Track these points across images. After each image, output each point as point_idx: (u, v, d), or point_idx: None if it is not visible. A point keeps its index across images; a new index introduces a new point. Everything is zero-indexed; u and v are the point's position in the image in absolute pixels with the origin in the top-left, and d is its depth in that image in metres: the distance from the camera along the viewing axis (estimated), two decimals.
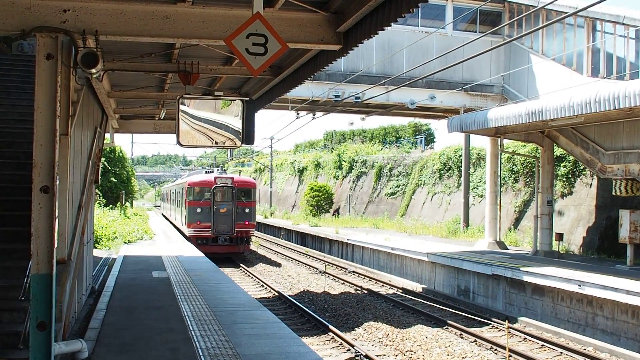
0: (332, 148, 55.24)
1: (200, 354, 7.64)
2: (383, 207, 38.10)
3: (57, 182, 5.85)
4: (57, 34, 5.92)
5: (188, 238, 27.29)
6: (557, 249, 19.93)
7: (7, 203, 9.03)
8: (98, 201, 33.36)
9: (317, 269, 23.37)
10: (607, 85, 15.98)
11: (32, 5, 5.95)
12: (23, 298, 7.13)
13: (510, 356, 11.39)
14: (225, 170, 32.33)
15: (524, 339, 13.12)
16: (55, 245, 5.83)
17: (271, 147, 59.20)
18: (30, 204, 5.71)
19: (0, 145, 10.33)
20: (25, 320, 6.77)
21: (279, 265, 25.99)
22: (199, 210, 26.73)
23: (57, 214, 5.87)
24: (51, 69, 5.82)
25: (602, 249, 20.14)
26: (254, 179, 43.71)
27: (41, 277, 5.71)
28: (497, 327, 14.00)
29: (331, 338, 12.50)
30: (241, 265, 24.66)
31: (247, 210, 27.24)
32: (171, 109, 14.10)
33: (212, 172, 31.49)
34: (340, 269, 24.00)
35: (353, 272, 22.95)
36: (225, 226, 26.47)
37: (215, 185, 26.86)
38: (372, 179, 41.15)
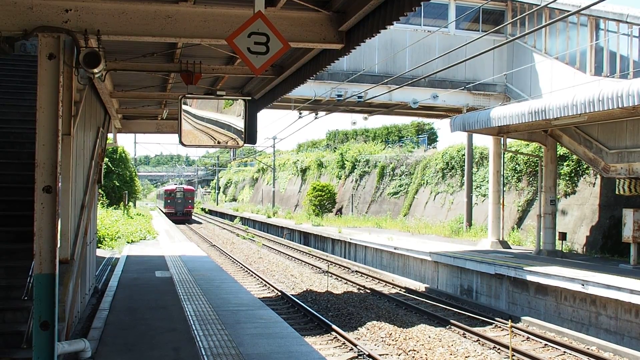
0: (335, 147, 55.23)
1: (203, 353, 7.65)
2: (386, 207, 38.09)
3: (60, 182, 5.85)
4: (59, 34, 5.92)
5: (165, 213, 57.08)
6: (560, 249, 19.91)
7: (10, 203, 9.05)
8: (101, 201, 33.42)
9: (320, 268, 23.37)
10: (610, 83, 15.96)
11: (33, 5, 5.95)
12: (26, 298, 7.14)
13: (514, 355, 11.37)
14: (182, 183, 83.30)
15: (527, 338, 13.10)
16: (58, 245, 5.83)
17: (274, 146, 59.25)
18: (33, 204, 5.71)
19: (3, 145, 10.34)
20: (28, 320, 6.78)
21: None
22: (169, 200, 57.67)
23: (59, 214, 5.87)
24: (53, 69, 5.82)
25: (606, 248, 20.10)
26: (257, 178, 72.16)
27: (44, 277, 5.71)
28: (500, 327, 13.98)
29: (334, 337, 12.49)
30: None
31: (189, 200, 58.46)
32: (174, 109, 14.13)
33: (175, 184, 72.54)
34: (343, 268, 24.00)
35: (356, 271, 22.94)
36: (180, 207, 57.30)
37: (175, 190, 58.41)
38: (374, 178, 41.14)
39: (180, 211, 56.49)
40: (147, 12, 6.36)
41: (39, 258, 5.70)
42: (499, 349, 12.06)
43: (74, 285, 8.38)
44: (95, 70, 6.25)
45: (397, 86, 19.53)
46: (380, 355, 11.21)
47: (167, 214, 55.41)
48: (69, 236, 8.09)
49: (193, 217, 60.96)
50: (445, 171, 33.32)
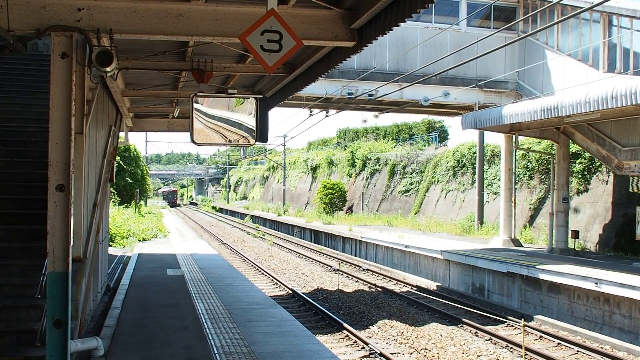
0: (345, 146, 55.15)
1: (215, 352, 7.66)
2: (397, 205, 38.00)
3: (73, 181, 5.88)
4: (72, 33, 5.94)
5: (167, 204, 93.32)
6: (573, 247, 19.77)
7: (24, 201, 9.09)
8: (113, 199, 33.58)
9: (331, 266, 23.36)
10: (623, 80, 15.79)
11: (46, 4, 5.97)
12: (39, 296, 7.18)
13: (527, 354, 11.31)
14: (169, 185, 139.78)
15: (540, 337, 13.02)
16: (71, 244, 5.86)
17: (284, 145, 59.29)
18: (46, 203, 5.73)
19: (16, 144, 10.40)
20: (41, 318, 6.81)
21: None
22: (165, 196, 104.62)
23: (72, 213, 5.89)
24: (66, 68, 5.84)
25: (619, 246, 19.94)
26: (267, 177, 75.72)
27: (57, 275, 5.74)
28: (512, 325, 13.90)
29: (345, 336, 12.47)
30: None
31: (176, 195, 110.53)
32: (185, 107, 14.16)
33: (168, 188, 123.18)
34: (354, 266, 23.97)
35: (367, 269, 22.91)
36: (171, 199, 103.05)
37: (169, 190, 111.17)
38: (385, 176, 41.06)
39: (171, 200, 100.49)
40: (159, 11, 6.37)
41: (52, 256, 5.73)
42: (511, 347, 11.99)
43: (86, 284, 8.41)
44: (108, 69, 6.26)
45: (408, 84, 19.43)
46: (392, 354, 11.18)
47: (167, 203, 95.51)
48: (81, 234, 8.12)
49: (178, 205, 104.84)
50: (456, 169, 33.19)
